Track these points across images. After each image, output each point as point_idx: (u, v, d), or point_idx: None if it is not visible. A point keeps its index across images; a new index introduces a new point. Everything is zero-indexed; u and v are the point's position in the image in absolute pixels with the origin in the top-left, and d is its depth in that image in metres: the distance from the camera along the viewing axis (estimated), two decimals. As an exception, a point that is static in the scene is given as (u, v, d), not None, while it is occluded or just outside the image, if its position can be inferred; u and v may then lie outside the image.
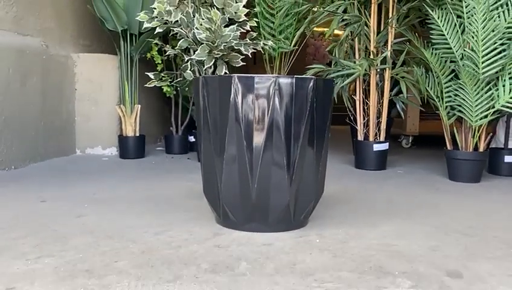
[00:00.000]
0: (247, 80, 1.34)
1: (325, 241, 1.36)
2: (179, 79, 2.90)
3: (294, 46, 2.95)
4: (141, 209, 1.70)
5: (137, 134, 3.05)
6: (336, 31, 2.98)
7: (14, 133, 2.51)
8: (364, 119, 2.79)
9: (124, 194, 1.96)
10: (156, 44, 3.01)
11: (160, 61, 3.12)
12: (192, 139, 3.34)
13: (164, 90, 3.17)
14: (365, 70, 2.66)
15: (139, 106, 3.04)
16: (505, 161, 2.62)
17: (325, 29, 2.85)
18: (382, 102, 2.74)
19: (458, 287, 1.04)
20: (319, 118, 1.42)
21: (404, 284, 1.05)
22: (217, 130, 1.41)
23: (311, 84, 1.37)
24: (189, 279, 1.06)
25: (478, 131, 2.36)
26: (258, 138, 1.36)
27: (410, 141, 3.98)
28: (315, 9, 2.84)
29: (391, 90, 2.76)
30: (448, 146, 2.49)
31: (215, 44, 2.66)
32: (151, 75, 2.81)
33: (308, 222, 1.53)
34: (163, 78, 2.88)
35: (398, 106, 2.78)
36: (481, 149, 2.41)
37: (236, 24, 2.75)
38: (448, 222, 1.59)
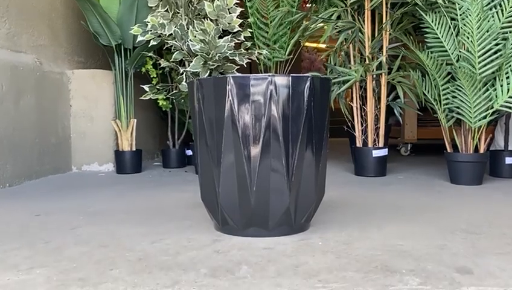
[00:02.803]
0: (242, 80, 1.31)
1: (328, 243, 1.31)
2: (174, 91, 2.88)
3: (289, 55, 2.94)
4: (138, 219, 1.66)
5: (134, 148, 3.02)
6: (332, 42, 2.98)
7: (8, 151, 2.47)
8: (362, 125, 2.76)
9: (121, 206, 1.92)
10: (151, 58, 3.00)
11: (155, 75, 3.11)
12: (189, 152, 3.30)
13: (160, 104, 3.14)
14: (361, 76, 2.65)
15: (135, 120, 3.02)
16: (506, 162, 2.59)
17: (320, 45, 2.84)
18: (379, 108, 2.72)
19: (469, 283, 1.00)
20: (317, 117, 1.39)
21: (413, 282, 1.01)
22: (213, 133, 1.37)
23: (308, 83, 1.35)
24: (188, 284, 1.01)
25: (478, 132, 2.34)
26: (256, 140, 1.33)
27: (409, 148, 3.95)
28: (309, 17, 2.84)
29: (388, 95, 2.74)
30: (448, 149, 2.46)
31: (210, 55, 2.64)
32: (146, 87, 2.79)
33: (309, 225, 1.48)
34: (159, 91, 2.86)
35: (395, 111, 2.76)
36: (481, 151, 2.38)
37: (231, 35, 2.74)
38: (453, 222, 1.55)
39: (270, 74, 1.31)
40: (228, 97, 1.32)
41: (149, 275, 1.07)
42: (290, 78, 1.32)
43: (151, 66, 3.08)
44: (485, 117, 2.27)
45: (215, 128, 1.37)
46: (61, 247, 1.31)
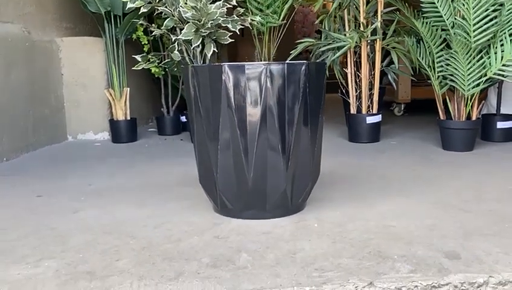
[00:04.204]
0: (237, 68, 1.31)
1: (323, 225, 1.37)
2: (166, 60, 2.85)
3: (283, 20, 2.89)
4: (138, 199, 1.70)
5: (128, 117, 3.02)
6: (326, 4, 2.92)
7: (3, 125, 2.47)
8: (356, 91, 2.77)
9: (120, 183, 1.95)
10: (141, 24, 2.94)
11: (146, 42, 3.06)
12: (184, 119, 3.31)
13: (152, 71, 3.11)
14: (356, 42, 2.62)
15: (128, 89, 3.00)
16: (498, 127, 2.63)
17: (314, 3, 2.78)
18: (374, 74, 2.72)
19: (457, 270, 1.06)
20: (312, 101, 1.40)
21: (404, 269, 1.07)
22: (209, 120, 1.39)
23: (303, 68, 1.35)
24: (191, 275, 1.07)
25: (470, 100, 2.36)
26: (252, 126, 1.35)
27: (402, 108, 3.98)
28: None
29: (382, 61, 2.73)
30: (441, 116, 2.49)
31: (202, 22, 2.59)
32: (138, 57, 2.75)
33: (305, 205, 1.53)
34: (151, 60, 2.82)
35: (389, 77, 2.76)
36: (474, 118, 2.42)
37: (222, 0, 2.68)
38: (443, 197, 1.61)
39: (266, 62, 1.31)
40: (223, 85, 1.32)
41: (153, 267, 1.12)
42: (285, 65, 1.32)
43: (142, 33, 3.02)
44: (478, 85, 2.28)
45: (211, 114, 1.38)
46: (66, 235, 1.36)
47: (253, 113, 1.34)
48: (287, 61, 1.33)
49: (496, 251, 1.15)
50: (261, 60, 2.95)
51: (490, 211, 1.46)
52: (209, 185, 1.47)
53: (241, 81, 1.32)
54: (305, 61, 1.35)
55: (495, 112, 2.75)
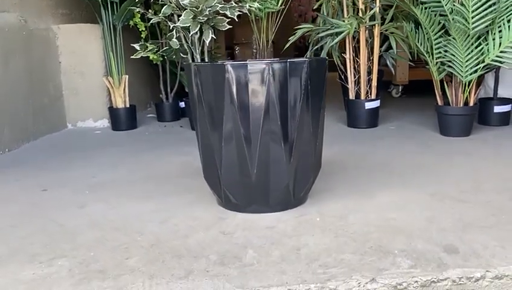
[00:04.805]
0: (240, 68, 1.33)
1: (325, 219, 1.41)
2: (165, 48, 2.84)
3: (281, 5, 2.87)
4: (142, 193, 1.73)
5: (128, 105, 3.03)
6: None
7: (3, 116, 2.47)
8: (355, 77, 2.78)
9: (122, 175, 1.98)
10: (138, 11, 2.91)
11: (144, 28, 3.04)
12: (182, 105, 3.32)
13: (150, 57, 3.10)
14: (354, 28, 2.62)
15: (127, 76, 2.99)
16: (495, 111, 2.66)
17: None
18: (372, 59, 2.73)
19: (455, 264, 1.10)
20: (314, 98, 1.42)
21: (404, 265, 1.11)
22: (213, 118, 1.41)
23: (305, 66, 1.36)
24: (201, 273, 1.11)
25: (468, 86, 2.38)
26: (255, 122, 1.37)
27: (400, 90, 3.99)
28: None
29: (381, 46, 2.73)
30: (439, 101, 2.51)
31: (200, 9, 2.58)
32: (136, 46, 2.74)
33: (307, 197, 1.57)
34: (150, 49, 2.81)
35: (388, 62, 2.77)
36: (471, 103, 2.44)
37: (220, -14, 2.66)
38: (442, 188, 1.65)
39: (268, 61, 1.32)
40: (226, 84, 1.34)
41: (163, 265, 1.16)
42: (288, 64, 1.33)
43: (139, 20, 3.00)
44: (476, 71, 2.30)
45: (215, 112, 1.40)
46: (74, 231, 1.39)
47: (256, 110, 1.36)
48: (289, 60, 1.34)
49: (492, 244, 1.20)
50: (259, 45, 2.95)
51: (488, 202, 1.50)
52: (213, 180, 1.50)
53: (244, 80, 1.33)
54: (306, 59, 1.37)
55: (492, 96, 2.77)
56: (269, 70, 1.32)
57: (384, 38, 2.75)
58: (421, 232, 1.28)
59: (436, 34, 2.36)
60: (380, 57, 2.86)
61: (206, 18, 2.62)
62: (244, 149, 1.40)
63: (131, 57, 2.74)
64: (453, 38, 2.27)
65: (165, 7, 2.65)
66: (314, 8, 2.89)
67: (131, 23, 3.03)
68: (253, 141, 1.38)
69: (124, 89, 3.00)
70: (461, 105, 2.42)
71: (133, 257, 1.21)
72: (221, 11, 2.66)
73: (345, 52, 2.78)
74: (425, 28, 2.39)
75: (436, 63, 2.43)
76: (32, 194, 1.78)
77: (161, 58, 3.16)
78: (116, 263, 1.18)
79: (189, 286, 1.06)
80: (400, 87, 3.99)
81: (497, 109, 2.65)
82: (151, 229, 1.38)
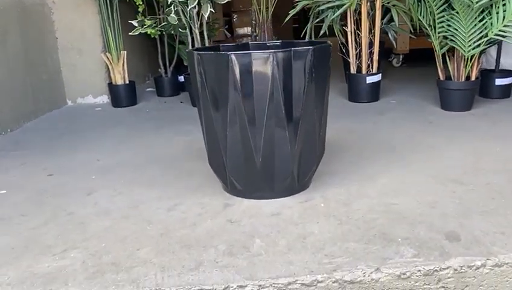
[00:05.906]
0: (243, 57, 1.32)
1: (329, 205, 1.44)
2: (163, 24, 2.79)
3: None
4: (147, 178, 1.75)
5: (127, 81, 3.01)
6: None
7: (2, 96, 2.46)
8: (356, 50, 2.76)
9: (127, 158, 2.00)
10: (135, -16, 2.85)
11: (141, 2, 2.98)
12: (182, 79, 3.30)
13: (148, 32, 3.05)
14: (356, 0, 2.58)
15: (125, 52, 2.96)
16: (496, 84, 2.66)
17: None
18: (374, 32, 2.69)
19: (456, 253, 1.14)
20: (318, 84, 1.42)
21: (408, 254, 1.15)
22: (217, 106, 1.41)
23: (309, 53, 1.36)
24: (211, 265, 1.14)
25: (470, 60, 2.37)
26: (260, 111, 1.38)
27: (400, 59, 3.96)
28: None
29: (382, 18, 2.70)
30: (441, 76, 2.50)
31: (198, -17, 2.53)
32: (134, 23, 2.70)
33: (311, 182, 1.60)
34: (148, 25, 2.77)
35: (390, 35, 2.74)
36: (473, 78, 2.44)
37: (218, -41, 2.59)
38: (443, 169, 1.67)
39: (272, 51, 1.31)
40: (230, 73, 1.33)
41: (173, 256, 1.19)
42: (292, 52, 1.32)
43: (136, -8, 2.94)
44: (478, 46, 2.28)
45: (219, 100, 1.40)
46: (84, 221, 1.42)
47: (261, 98, 1.36)
48: (293, 48, 1.33)
49: (493, 230, 1.23)
50: (259, 20, 2.91)
51: (487, 184, 1.53)
52: (218, 166, 1.52)
53: (248, 69, 1.33)
54: (310, 47, 1.36)
55: (494, 68, 2.75)
56: (273, 59, 1.32)
57: (385, 11, 2.71)
58: (423, 218, 1.32)
59: (439, 8, 2.32)
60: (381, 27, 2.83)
61: (204, -9, 2.57)
62: (248, 135, 1.41)
63: (130, 33, 2.69)
64: (456, 12, 2.23)
65: (162, -19, 2.60)
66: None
67: (127, -4, 2.97)
68: (258, 127, 1.39)
69: (123, 65, 2.97)
70: (463, 80, 2.41)
71: (143, 247, 1.24)
72: (219, -16, 2.62)
73: (346, 25, 2.75)
74: (428, 2, 2.35)
75: (439, 37, 2.41)
76: (38, 179, 1.80)
77: (159, 33, 3.11)
78: (128, 254, 1.22)
79: (200, 277, 1.10)
80: (401, 57, 3.96)
81: (499, 81, 2.65)
82: (160, 218, 1.41)
